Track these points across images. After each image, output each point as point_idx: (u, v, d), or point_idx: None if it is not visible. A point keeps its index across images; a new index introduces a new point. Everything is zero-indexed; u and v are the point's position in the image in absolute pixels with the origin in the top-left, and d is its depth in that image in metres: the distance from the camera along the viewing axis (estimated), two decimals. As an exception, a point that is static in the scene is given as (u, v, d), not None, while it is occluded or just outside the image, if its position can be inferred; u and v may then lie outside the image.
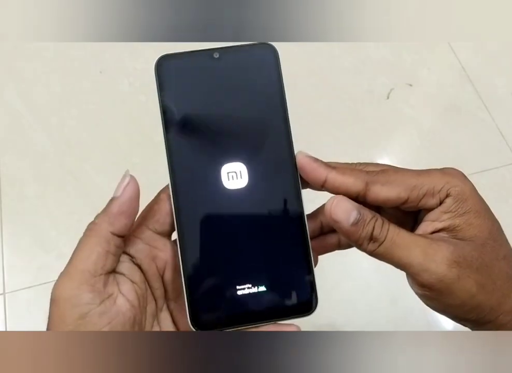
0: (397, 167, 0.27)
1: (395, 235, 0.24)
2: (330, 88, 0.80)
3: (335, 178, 0.25)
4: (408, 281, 0.26)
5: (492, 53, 0.85)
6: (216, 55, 0.27)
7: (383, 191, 0.25)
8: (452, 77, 0.83)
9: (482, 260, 0.24)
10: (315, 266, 0.27)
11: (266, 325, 0.26)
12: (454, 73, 0.83)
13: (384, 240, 0.24)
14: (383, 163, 0.28)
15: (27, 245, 0.66)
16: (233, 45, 0.28)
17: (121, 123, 0.75)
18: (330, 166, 0.26)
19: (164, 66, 0.27)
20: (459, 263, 0.24)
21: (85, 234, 0.25)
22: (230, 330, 0.26)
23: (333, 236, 0.29)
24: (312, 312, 0.26)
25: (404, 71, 0.83)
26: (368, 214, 0.25)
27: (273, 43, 0.28)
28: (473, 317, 0.25)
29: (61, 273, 0.24)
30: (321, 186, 0.26)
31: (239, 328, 0.26)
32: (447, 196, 0.25)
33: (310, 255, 0.27)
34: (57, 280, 0.24)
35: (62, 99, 0.76)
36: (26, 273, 0.64)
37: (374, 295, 0.65)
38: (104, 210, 0.25)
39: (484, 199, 0.26)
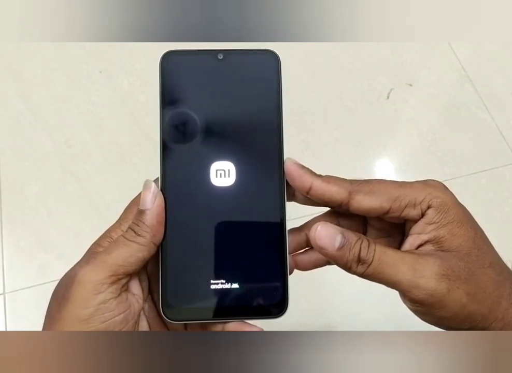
0: (381, 178, 0.27)
1: (382, 255, 0.25)
2: (330, 88, 0.80)
3: (320, 185, 0.26)
4: (400, 298, 0.26)
5: (492, 53, 0.85)
6: (220, 56, 0.28)
7: (366, 201, 0.26)
8: (452, 77, 0.83)
9: (469, 269, 0.25)
10: (291, 273, 0.28)
11: (233, 321, 0.26)
12: (454, 73, 0.83)
13: (372, 261, 0.24)
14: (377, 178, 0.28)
15: (27, 245, 0.66)
16: (238, 48, 0.28)
17: (120, 123, 0.75)
18: (316, 174, 0.27)
19: (169, 61, 0.28)
20: (448, 276, 0.24)
21: (130, 235, 0.26)
22: (199, 322, 0.27)
23: None
24: (281, 315, 0.27)
25: (404, 71, 0.83)
26: (352, 236, 0.25)
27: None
28: (467, 327, 0.25)
29: (94, 257, 0.25)
30: (306, 193, 0.27)
31: (207, 322, 0.27)
32: (428, 207, 0.26)
33: (286, 259, 0.27)
34: (89, 264, 0.25)
35: (62, 99, 0.76)
36: (26, 273, 0.64)
37: (374, 295, 0.65)
38: (142, 221, 0.26)
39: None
